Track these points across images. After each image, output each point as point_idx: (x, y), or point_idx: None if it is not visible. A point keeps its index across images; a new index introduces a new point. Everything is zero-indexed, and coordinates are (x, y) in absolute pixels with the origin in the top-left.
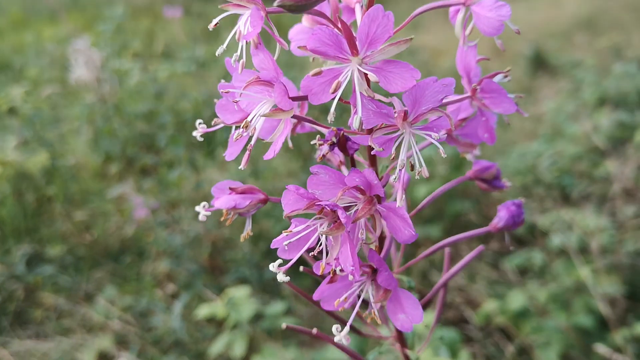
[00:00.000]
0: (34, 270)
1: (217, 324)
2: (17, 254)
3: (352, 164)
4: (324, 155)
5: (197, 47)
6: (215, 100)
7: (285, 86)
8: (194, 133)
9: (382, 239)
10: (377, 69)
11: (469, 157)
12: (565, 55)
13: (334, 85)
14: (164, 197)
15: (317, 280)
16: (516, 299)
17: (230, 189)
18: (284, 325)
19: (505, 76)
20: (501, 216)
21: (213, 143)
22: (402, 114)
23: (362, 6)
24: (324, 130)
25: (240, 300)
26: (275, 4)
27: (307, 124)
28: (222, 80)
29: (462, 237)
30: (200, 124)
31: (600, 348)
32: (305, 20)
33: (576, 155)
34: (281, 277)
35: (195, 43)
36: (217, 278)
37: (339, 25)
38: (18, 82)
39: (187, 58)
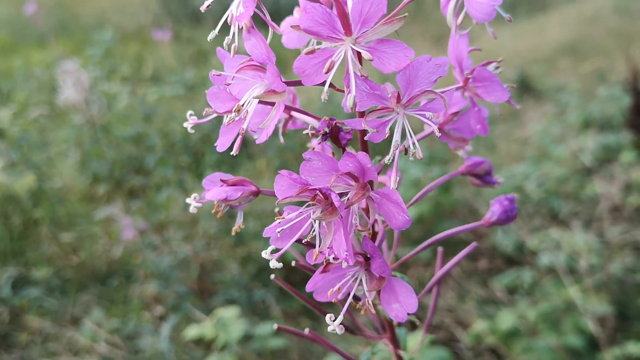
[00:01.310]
0: (20, 293)
1: (205, 346)
2: (2, 276)
3: (344, 153)
4: (315, 147)
5: (185, 71)
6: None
7: (276, 70)
8: (185, 124)
9: (374, 234)
10: (371, 49)
11: (460, 152)
12: (550, 80)
13: (327, 65)
14: (153, 219)
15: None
16: (506, 319)
17: (221, 180)
18: (275, 326)
19: (497, 67)
20: (494, 210)
21: (202, 165)
22: (396, 95)
23: None
24: (316, 123)
25: (229, 320)
26: None
27: (298, 120)
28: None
29: (453, 233)
30: (191, 115)
31: None
32: (297, 12)
33: (562, 177)
34: (274, 264)
35: (184, 67)
36: (206, 300)
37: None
38: (6, 105)
39: (175, 82)
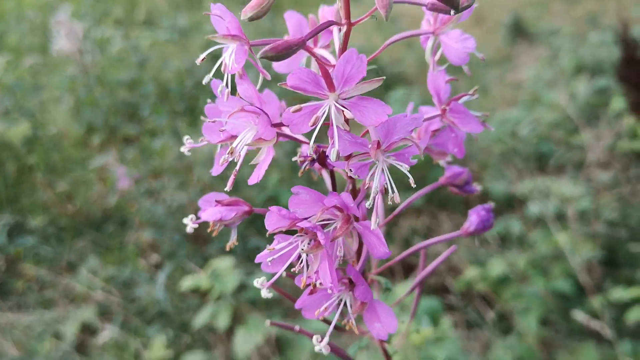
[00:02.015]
0: (15, 241)
1: (200, 295)
2: None
3: (332, 176)
4: (305, 168)
5: (179, 15)
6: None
7: (268, 117)
8: (182, 149)
9: (359, 251)
10: (352, 104)
11: (441, 162)
12: (543, 23)
13: (312, 120)
14: (147, 167)
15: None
16: (496, 266)
17: (216, 201)
18: (267, 322)
19: (472, 95)
20: (472, 221)
21: (196, 111)
22: (376, 144)
23: (339, 29)
24: (305, 146)
25: (224, 271)
26: (258, 55)
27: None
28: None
29: (437, 241)
30: (187, 139)
31: (578, 315)
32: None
33: (553, 123)
34: (265, 294)
35: (177, 11)
36: (201, 248)
37: (318, 56)
38: None
39: (169, 26)
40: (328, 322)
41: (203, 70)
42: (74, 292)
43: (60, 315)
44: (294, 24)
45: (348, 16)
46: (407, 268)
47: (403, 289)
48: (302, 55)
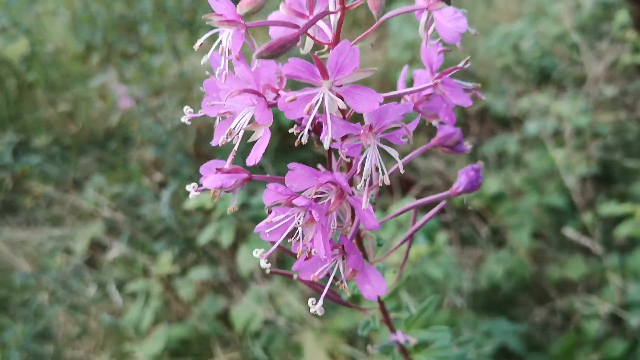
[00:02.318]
0: (20, 159)
1: (204, 212)
2: (2, 141)
3: (329, 150)
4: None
5: None
6: None
7: (265, 101)
8: (182, 119)
9: (352, 219)
10: (345, 92)
11: (434, 122)
12: None
13: (307, 107)
14: (147, 85)
15: None
16: (492, 184)
17: (217, 169)
18: (267, 271)
19: (464, 66)
20: (461, 181)
21: (194, 25)
22: (368, 127)
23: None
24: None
25: None
26: (255, 55)
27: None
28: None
29: (426, 201)
30: (187, 109)
31: (569, 231)
32: (282, 7)
33: (557, 36)
34: (264, 264)
35: None
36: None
37: (313, 37)
38: None
39: None
40: (322, 285)
41: None
42: (81, 209)
43: (69, 232)
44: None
45: (342, 2)
46: (405, 185)
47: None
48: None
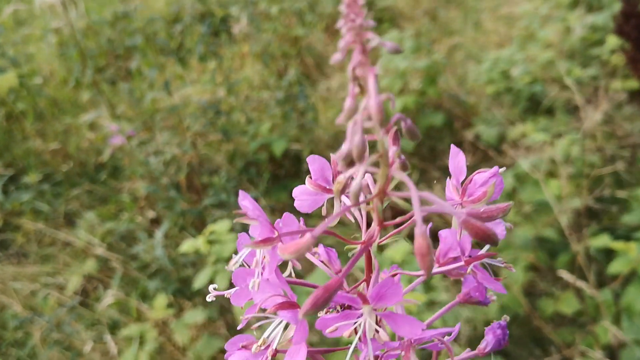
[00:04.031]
0: (11, 195)
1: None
2: None
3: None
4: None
5: None
6: None
7: (305, 327)
8: (207, 298)
9: None
10: (386, 316)
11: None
12: None
13: (348, 332)
14: (138, 116)
15: None
16: None
17: (242, 346)
18: None
19: (493, 256)
20: (488, 341)
21: (182, 51)
22: (409, 343)
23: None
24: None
25: (221, 234)
26: (300, 316)
27: None
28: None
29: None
30: (213, 287)
31: (563, 273)
32: (308, 183)
33: (547, 61)
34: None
35: None
36: (196, 201)
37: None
38: None
39: None
40: None
41: (189, 16)
42: (74, 245)
43: (61, 269)
44: (317, 168)
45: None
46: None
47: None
48: (323, 197)
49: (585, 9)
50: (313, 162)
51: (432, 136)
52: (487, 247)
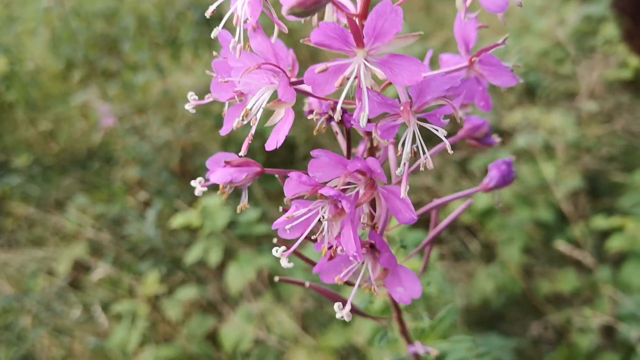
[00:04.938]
0: (1, 180)
1: (191, 231)
2: None
3: (347, 135)
4: (320, 127)
5: None
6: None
7: (287, 77)
8: (186, 106)
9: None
10: (382, 62)
11: (460, 114)
12: None
13: (339, 80)
14: (130, 103)
15: None
16: (482, 198)
17: (225, 162)
18: (276, 279)
19: (502, 44)
20: (492, 176)
21: (177, 44)
22: (408, 105)
23: None
24: (315, 100)
25: (213, 208)
26: (284, 11)
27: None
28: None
29: (454, 198)
30: (192, 96)
31: (560, 244)
32: None
33: (542, 52)
34: (285, 264)
35: None
36: (189, 184)
37: (342, 6)
38: None
39: None
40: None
41: (183, 1)
42: (64, 230)
43: (52, 253)
44: None
45: None
46: None
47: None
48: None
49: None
50: None
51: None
52: (494, 47)
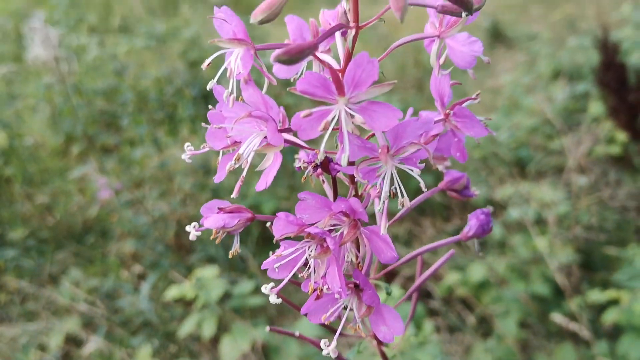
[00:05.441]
0: None
1: (185, 304)
2: None
3: (334, 182)
4: (307, 175)
5: (156, 21)
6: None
7: (276, 123)
8: (183, 156)
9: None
10: (362, 109)
11: (440, 167)
12: (522, 27)
13: (322, 124)
14: (128, 177)
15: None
16: (477, 271)
17: (219, 208)
18: (267, 328)
19: (475, 99)
20: (471, 225)
21: (175, 120)
22: (385, 149)
23: (342, 32)
24: (303, 152)
25: (208, 280)
26: (271, 59)
27: (288, 143)
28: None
29: (437, 245)
30: (188, 146)
31: (557, 317)
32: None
33: (532, 128)
34: (273, 300)
35: (153, 16)
36: (184, 257)
37: (323, 60)
38: None
39: (146, 33)
40: (332, 329)
41: (181, 77)
42: (57, 304)
43: (44, 327)
44: (294, 27)
45: (357, 19)
46: (389, 275)
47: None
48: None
49: (567, 79)
50: (291, 22)
51: (424, 206)
52: (468, 101)
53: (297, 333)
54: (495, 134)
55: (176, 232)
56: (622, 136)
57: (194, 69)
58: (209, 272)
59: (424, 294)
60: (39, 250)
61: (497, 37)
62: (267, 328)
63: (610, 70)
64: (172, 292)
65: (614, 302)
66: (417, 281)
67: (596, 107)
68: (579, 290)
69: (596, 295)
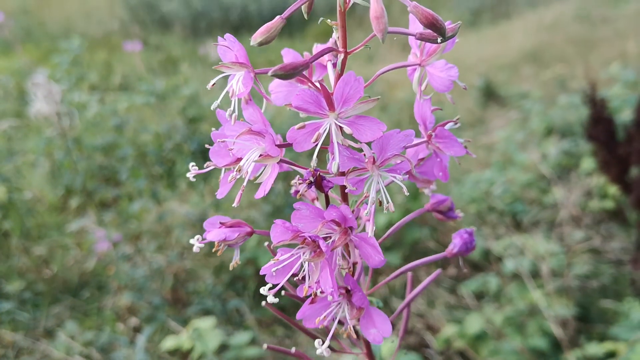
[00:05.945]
0: None
1: (181, 356)
2: None
3: (326, 200)
4: (301, 192)
5: (155, 78)
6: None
7: (273, 137)
8: (188, 174)
9: (354, 268)
10: (350, 122)
11: (426, 191)
12: (514, 86)
13: (315, 136)
14: (125, 230)
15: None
16: (474, 323)
17: (220, 223)
18: (264, 346)
19: (455, 123)
20: (455, 243)
21: (173, 174)
22: (372, 159)
23: (333, 64)
24: (302, 171)
25: (205, 331)
26: (270, 73)
27: (285, 164)
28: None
29: (421, 262)
30: (192, 166)
31: None
32: None
33: (526, 183)
34: (271, 299)
35: (153, 75)
36: (180, 310)
37: (315, 84)
38: None
39: (146, 90)
40: (326, 332)
41: (180, 133)
42: (52, 357)
43: None
44: (290, 58)
45: (345, 45)
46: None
47: None
48: (297, 88)
49: (559, 136)
50: (287, 54)
51: (417, 251)
52: (449, 124)
53: (293, 350)
54: (475, 156)
55: (173, 286)
56: (613, 189)
57: (193, 124)
58: (206, 323)
59: (422, 345)
60: (35, 304)
61: (490, 95)
62: (265, 346)
63: (599, 124)
64: (168, 343)
65: (611, 355)
66: (408, 297)
67: (588, 162)
68: (576, 344)
69: (594, 349)
